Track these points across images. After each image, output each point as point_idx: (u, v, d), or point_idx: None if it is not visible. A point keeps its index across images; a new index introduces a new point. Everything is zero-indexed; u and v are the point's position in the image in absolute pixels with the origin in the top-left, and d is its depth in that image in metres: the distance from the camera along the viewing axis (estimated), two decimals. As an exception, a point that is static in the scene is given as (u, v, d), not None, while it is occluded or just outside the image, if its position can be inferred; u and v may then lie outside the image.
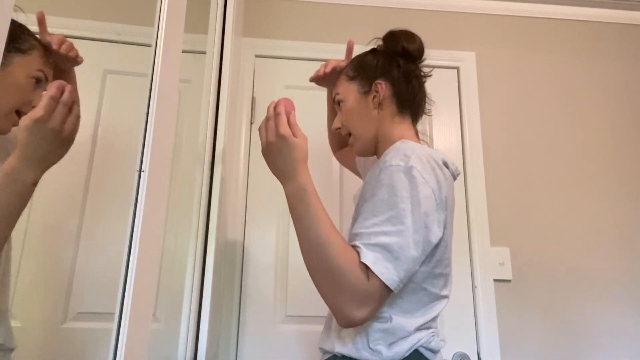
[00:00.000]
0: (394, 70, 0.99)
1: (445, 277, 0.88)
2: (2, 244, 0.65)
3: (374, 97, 0.98)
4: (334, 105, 1.07)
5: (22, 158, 0.63)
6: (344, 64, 1.10)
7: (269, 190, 1.65)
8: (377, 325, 0.81)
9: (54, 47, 0.80)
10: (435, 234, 0.80)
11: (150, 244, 0.62)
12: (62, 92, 0.67)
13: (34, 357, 1.08)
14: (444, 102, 1.82)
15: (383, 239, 0.76)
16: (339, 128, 1.04)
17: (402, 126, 0.98)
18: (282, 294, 1.58)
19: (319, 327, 1.57)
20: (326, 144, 1.76)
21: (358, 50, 1.10)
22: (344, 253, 0.76)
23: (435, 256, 0.84)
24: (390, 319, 0.81)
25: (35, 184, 0.64)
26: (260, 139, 0.85)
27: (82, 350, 1.15)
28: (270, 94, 1.77)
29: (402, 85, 0.98)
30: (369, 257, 0.75)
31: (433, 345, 0.84)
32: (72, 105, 0.69)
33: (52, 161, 0.67)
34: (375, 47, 1.06)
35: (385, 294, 0.77)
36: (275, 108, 0.83)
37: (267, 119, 0.84)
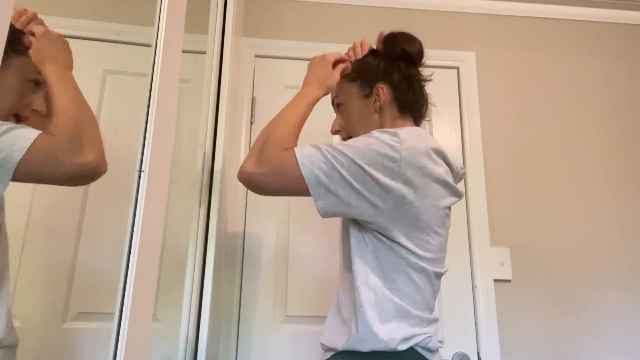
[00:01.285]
0: (394, 74, 0.98)
1: (432, 255, 0.87)
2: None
3: (375, 100, 0.97)
4: (333, 107, 1.06)
5: (55, 64, 0.79)
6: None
7: (269, 190, 1.65)
8: (365, 301, 0.83)
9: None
10: (369, 194, 0.82)
11: (150, 244, 0.62)
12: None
13: (34, 357, 1.08)
14: (444, 102, 1.82)
15: (324, 146, 0.84)
16: (339, 131, 1.03)
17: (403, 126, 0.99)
18: (282, 294, 1.58)
19: (319, 327, 1.56)
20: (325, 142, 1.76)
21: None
22: (288, 131, 0.90)
23: (404, 217, 0.83)
24: (374, 291, 0.83)
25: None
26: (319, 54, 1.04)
27: (82, 350, 1.15)
28: (270, 94, 1.77)
29: (403, 89, 0.98)
30: (302, 146, 0.85)
31: (430, 345, 0.84)
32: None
33: (70, 63, 0.83)
34: (376, 48, 1.05)
35: (288, 173, 0.83)
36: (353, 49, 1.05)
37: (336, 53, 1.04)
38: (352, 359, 0.83)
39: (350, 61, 1.03)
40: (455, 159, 0.95)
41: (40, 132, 0.68)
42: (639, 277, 1.71)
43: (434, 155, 0.86)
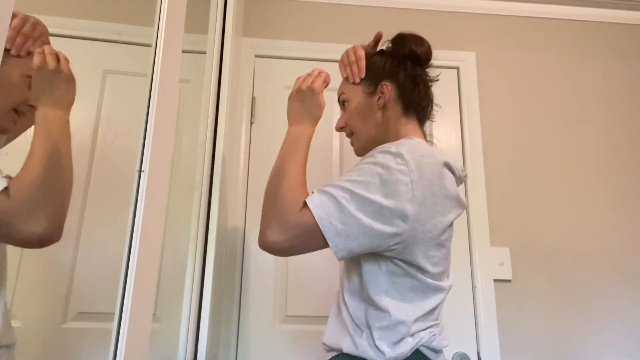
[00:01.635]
0: (400, 73, 0.98)
1: (441, 268, 0.87)
2: (71, 176, 0.73)
3: (379, 98, 0.97)
4: (339, 104, 1.06)
5: (45, 105, 0.74)
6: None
7: (269, 190, 1.64)
8: (377, 323, 0.82)
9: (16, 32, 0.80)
10: (390, 227, 0.79)
11: (150, 244, 0.62)
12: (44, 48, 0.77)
13: (34, 357, 1.08)
14: (444, 102, 1.81)
15: (335, 191, 0.80)
16: (343, 127, 1.03)
17: (408, 127, 0.98)
18: (282, 294, 1.58)
19: (319, 327, 1.55)
20: (326, 143, 1.76)
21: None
22: (296, 185, 0.84)
23: (419, 238, 0.82)
24: (389, 314, 0.82)
25: (68, 121, 0.77)
26: (295, 84, 0.97)
27: (82, 350, 1.15)
28: (270, 94, 1.77)
29: (408, 88, 0.98)
30: (313, 196, 0.81)
31: (435, 344, 0.84)
32: (57, 53, 0.78)
33: (69, 100, 0.78)
34: (384, 48, 1.05)
35: (310, 232, 0.79)
36: (319, 73, 0.96)
37: (308, 74, 0.97)
38: None
39: (347, 77, 1.03)
40: (456, 162, 0.95)
41: (4, 186, 0.64)
42: (639, 276, 1.71)
43: (441, 170, 0.85)
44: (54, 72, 0.76)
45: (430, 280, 0.85)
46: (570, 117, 1.88)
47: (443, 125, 1.80)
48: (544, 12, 1.99)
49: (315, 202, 0.80)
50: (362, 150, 1.01)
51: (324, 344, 0.92)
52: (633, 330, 1.65)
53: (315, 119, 0.96)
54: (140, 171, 0.62)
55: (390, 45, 1.04)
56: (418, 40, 1.01)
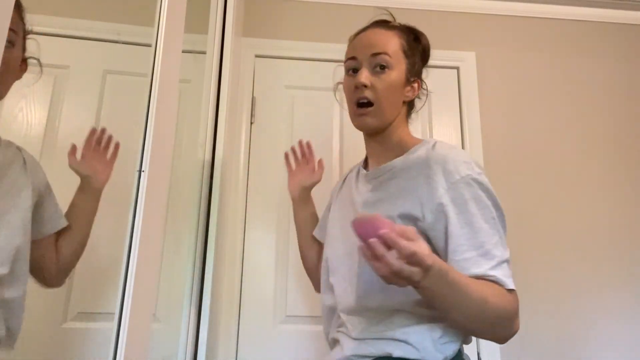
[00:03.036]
0: (421, 75, 0.99)
1: None
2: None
3: (409, 91, 0.94)
4: (369, 60, 0.92)
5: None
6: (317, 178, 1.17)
7: (269, 191, 1.64)
8: (438, 327, 0.80)
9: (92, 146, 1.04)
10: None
11: (150, 244, 0.62)
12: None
13: (34, 357, 1.08)
14: (444, 102, 1.82)
15: (499, 255, 0.77)
16: (366, 87, 0.89)
17: (407, 128, 0.97)
18: (282, 294, 1.58)
19: (319, 327, 1.55)
20: (326, 144, 1.76)
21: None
22: (497, 297, 0.74)
23: None
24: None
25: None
26: (378, 271, 0.65)
27: (82, 350, 1.15)
28: (270, 94, 1.77)
29: (420, 93, 0.99)
30: (506, 280, 0.76)
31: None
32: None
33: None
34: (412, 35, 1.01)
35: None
36: (384, 235, 0.63)
37: (379, 255, 0.64)
38: None
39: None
40: None
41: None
42: (639, 275, 1.71)
43: None
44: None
45: None
46: (570, 117, 1.88)
47: (443, 125, 1.80)
48: (544, 12, 1.99)
49: (507, 278, 0.77)
50: (375, 127, 0.92)
51: (354, 355, 0.83)
52: (633, 330, 1.65)
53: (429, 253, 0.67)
54: (140, 171, 0.62)
55: (413, 39, 0.99)
56: (425, 37, 1.01)
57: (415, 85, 0.95)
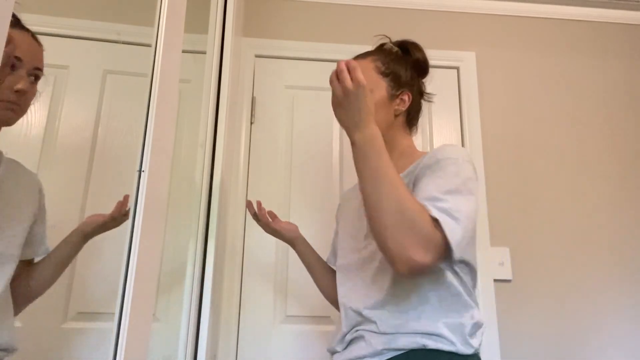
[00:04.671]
0: (415, 86, 1.02)
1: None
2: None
3: (399, 104, 0.99)
4: None
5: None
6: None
7: (269, 190, 1.65)
8: (467, 320, 0.84)
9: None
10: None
11: (150, 244, 0.62)
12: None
13: (34, 357, 1.08)
14: (444, 102, 1.82)
15: (447, 205, 0.78)
16: None
17: (409, 139, 1.03)
18: (282, 294, 1.58)
19: (319, 327, 1.55)
20: (325, 144, 1.76)
21: (362, 50, 1.10)
22: (414, 199, 0.77)
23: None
24: (473, 312, 0.86)
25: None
26: (335, 90, 0.81)
27: (82, 350, 1.15)
28: (270, 94, 1.77)
29: (416, 103, 1.02)
30: (437, 214, 0.76)
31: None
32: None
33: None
34: (396, 50, 1.05)
35: (442, 253, 0.76)
36: (348, 63, 0.81)
37: (339, 71, 0.81)
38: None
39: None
40: None
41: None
42: (638, 275, 1.71)
43: None
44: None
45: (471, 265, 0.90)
46: (570, 117, 1.88)
47: (443, 125, 1.80)
48: (544, 12, 1.99)
49: (450, 226, 0.76)
50: None
51: (385, 349, 0.85)
52: (633, 329, 1.65)
53: (372, 113, 0.82)
54: (140, 171, 0.62)
55: (399, 51, 1.04)
56: (420, 49, 1.04)
57: (405, 97, 0.99)
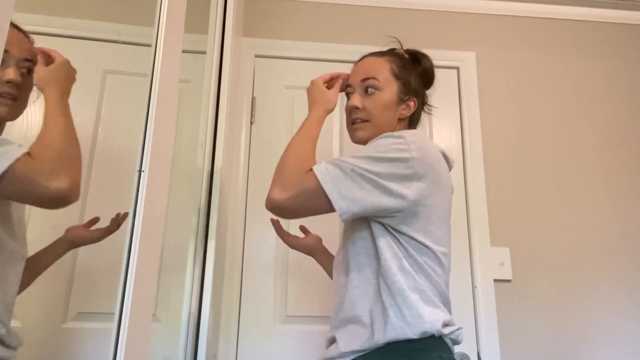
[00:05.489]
0: (420, 95, 1.05)
1: (445, 241, 0.92)
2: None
3: (404, 109, 1.02)
4: (359, 84, 1.03)
5: (56, 90, 0.82)
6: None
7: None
8: (405, 286, 0.84)
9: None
10: (394, 200, 0.85)
11: (150, 244, 0.62)
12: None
13: (34, 357, 1.08)
14: (444, 102, 1.82)
15: (340, 162, 0.87)
16: (358, 109, 1.01)
17: None
18: (282, 294, 1.58)
19: (319, 327, 1.55)
20: (325, 144, 1.76)
21: (362, 50, 1.10)
22: (303, 153, 0.92)
23: (416, 222, 0.88)
24: (411, 274, 0.86)
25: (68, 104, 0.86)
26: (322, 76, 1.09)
27: (82, 350, 1.15)
28: (270, 94, 1.77)
29: (419, 111, 1.06)
30: (320, 165, 0.87)
31: (460, 339, 0.89)
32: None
33: (70, 87, 0.86)
34: (407, 57, 1.07)
35: (313, 193, 0.85)
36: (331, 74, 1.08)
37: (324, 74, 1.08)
38: (402, 348, 0.82)
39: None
40: (448, 151, 1.03)
41: (25, 151, 0.70)
42: (639, 276, 1.71)
43: (440, 155, 0.94)
44: (67, 64, 0.86)
45: (432, 254, 0.90)
46: (570, 117, 1.88)
47: (443, 125, 1.80)
48: (544, 12, 1.99)
49: (321, 170, 0.86)
50: (366, 140, 1.02)
51: (343, 352, 0.88)
52: (633, 329, 1.65)
53: (323, 103, 1.04)
54: (140, 171, 0.62)
55: (410, 59, 1.07)
56: (429, 59, 1.07)
57: (411, 103, 1.03)
